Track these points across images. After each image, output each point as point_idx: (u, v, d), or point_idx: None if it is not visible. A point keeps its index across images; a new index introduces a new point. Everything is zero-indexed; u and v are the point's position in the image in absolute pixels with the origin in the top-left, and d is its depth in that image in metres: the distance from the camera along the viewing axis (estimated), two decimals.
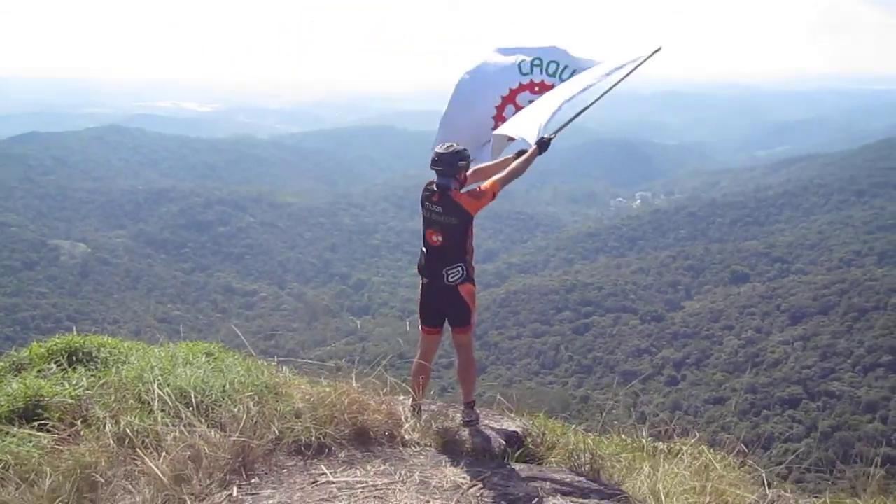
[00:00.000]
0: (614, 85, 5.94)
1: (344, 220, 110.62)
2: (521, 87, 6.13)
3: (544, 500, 3.76)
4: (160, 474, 3.50)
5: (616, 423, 5.67)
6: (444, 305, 5.12)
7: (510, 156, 5.53)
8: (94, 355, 4.93)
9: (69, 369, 4.68)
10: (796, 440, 43.40)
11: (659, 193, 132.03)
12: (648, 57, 5.91)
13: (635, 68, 5.91)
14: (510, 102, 6.11)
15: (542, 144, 5.42)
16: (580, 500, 3.76)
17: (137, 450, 3.68)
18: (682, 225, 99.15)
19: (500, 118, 6.07)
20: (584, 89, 5.56)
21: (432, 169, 5.07)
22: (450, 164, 5.02)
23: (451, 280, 4.99)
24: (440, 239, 5.01)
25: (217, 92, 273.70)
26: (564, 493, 3.87)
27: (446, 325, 5.21)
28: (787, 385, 50.63)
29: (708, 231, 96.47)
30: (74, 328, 5.31)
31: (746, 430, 40.22)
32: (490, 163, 5.62)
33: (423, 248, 5.15)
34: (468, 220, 5.02)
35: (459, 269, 5.01)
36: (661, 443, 5.11)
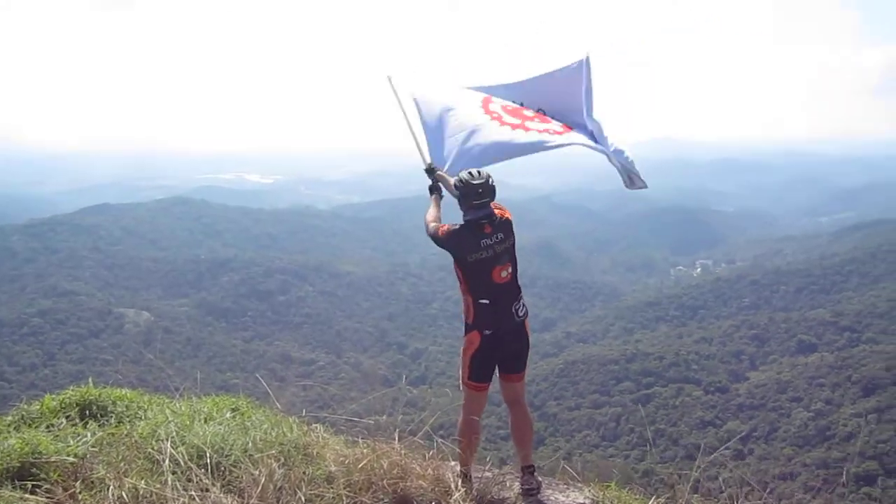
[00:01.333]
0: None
1: (401, 290, 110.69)
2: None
3: None
4: None
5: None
6: (509, 350, 4.52)
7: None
8: (108, 409, 4.44)
9: (80, 424, 4.18)
10: None
11: (720, 262, 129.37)
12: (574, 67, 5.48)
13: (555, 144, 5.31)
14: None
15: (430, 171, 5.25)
16: None
17: None
18: (745, 293, 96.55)
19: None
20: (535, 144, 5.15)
21: (477, 203, 4.54)
22: (493, 191, 4.60)
23: (520, 315, 4.43)
24: (510, 271, 4.47)
25: (279, 164, 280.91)
26: None
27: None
28: (861, 460, 47.95)
29: (772, 300, 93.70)
30: (91, 380, 4.84)
31: None
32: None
33: (484, 300, 4.51)
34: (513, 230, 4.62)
35: (522, 300, 4.47)
36: None
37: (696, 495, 4.90)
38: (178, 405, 4.42)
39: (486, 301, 4.50)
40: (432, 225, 4.80)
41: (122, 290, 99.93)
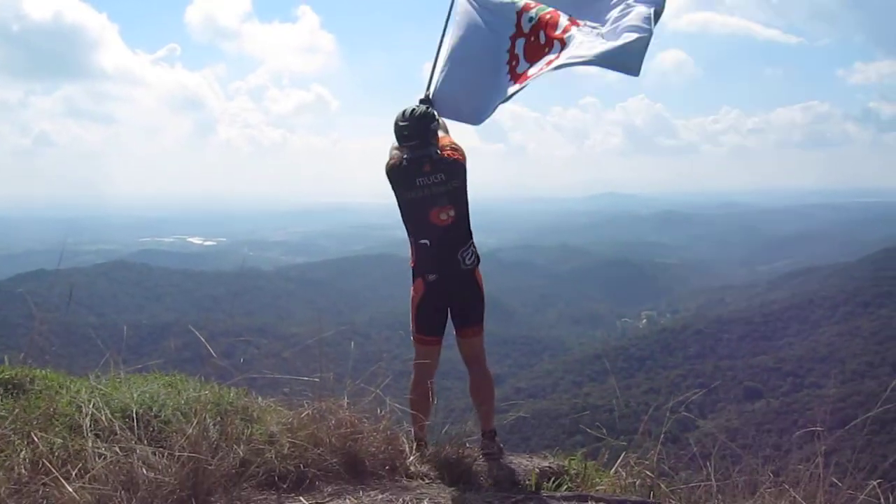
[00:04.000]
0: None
1: (348, 349, 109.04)
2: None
3: None
4: (76, 500, 2.57)
5: None
6: (459, 300, 4.22)
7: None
8: (26, 388, 4.02)
9: None
10: None
11: (664, 312, 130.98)
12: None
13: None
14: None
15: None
16: None
17: (53, 473, 2.75)
18: (690, 343, 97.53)
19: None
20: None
21: (404, 145, 4.26)
22: (425, 132, 4.24)
23: (467, 263, 4.13)
24: (452, 214, 4.17)
25: (222, 226, 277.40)
26: None
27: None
28: None
29: (716, 348, 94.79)
30: (6, 359, 4.41)
31: None
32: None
33: (425, 241, 4.25)
34: (466, 178, 4.27)
35: (472, 248, 4.17)
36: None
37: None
38: (103, 379, 4.02)
39: (426, 242, 4.25)
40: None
41: (58, 358, 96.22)
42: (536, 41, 4.83)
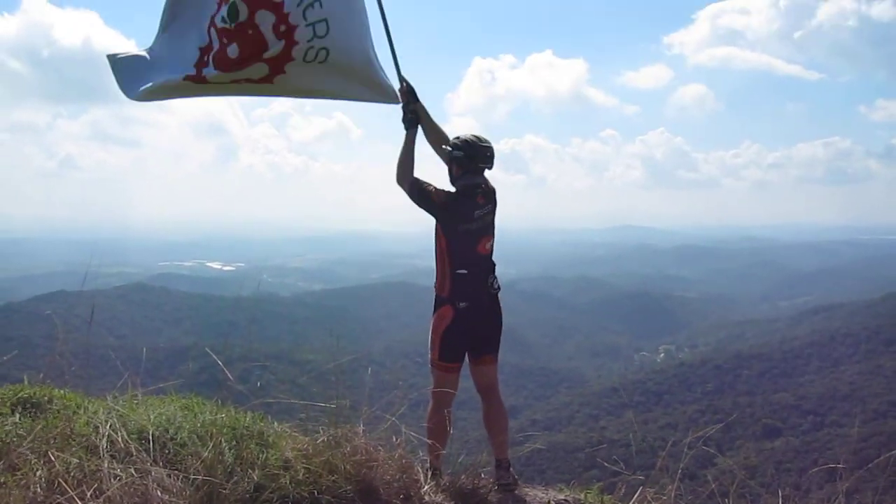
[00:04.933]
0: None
1: (364, 378, 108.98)
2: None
3: None
4: None
5: None
6: (482, 326, 4.23)
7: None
8: (45, 407, 4.04)
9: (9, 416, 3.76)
10: None
11: (683, 346, 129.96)
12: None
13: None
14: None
15: (411, 93, 4.47)
16: None
17: (69, 494, 2.75)
18: (709, 378, 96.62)
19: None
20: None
21: (482, 167, 4.30)
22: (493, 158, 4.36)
23: (495, 288, 4.15)
24: (492, 242, 4.26)
25: (241, 252, 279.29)
26: None
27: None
28: None
29: (735, 384, 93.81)
30: (25, 378, 4.44)
31: None
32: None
33: (463, 270, 4.25)
34: None
35: (495, 272, 4.20)
36: None
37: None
38: (120, 399, 4.03)
39: (465, 271, 4.25)
40: (413, 177, 4.37)
41: (77, 379, 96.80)
42: (221, 49, 4.38)
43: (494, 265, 4.30)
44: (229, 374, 4.02)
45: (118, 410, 3.52)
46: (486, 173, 4.32)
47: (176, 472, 3.06)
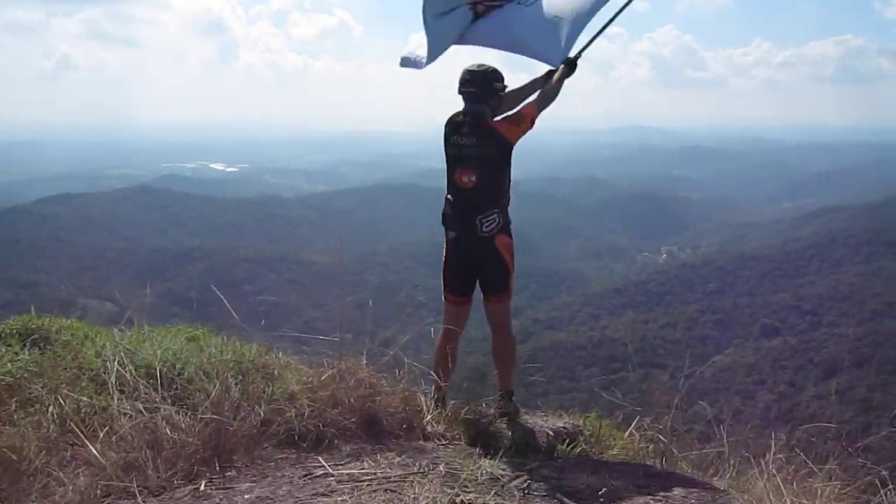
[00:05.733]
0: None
1: (369, 279, 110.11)
2: None
3: (616, 494, 2.82)
4: (102, 461, 2.64)
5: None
6: (476, 264, 4.25)
7: (538, 77, 4.64)
8: (52, 339, 4.08)
9: (19, 350, 3.82)
10: None
11: (685, 247, 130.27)
12: None
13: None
14: None
15: (570, 64, 4.52)
16: (665, 495, 2.81)
17: (79, 433, 2.82)
18: (710, 279, 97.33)
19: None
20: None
21: (461, 92, 4.25)
22: (484, 86, 4.20)
23: (485, 230, 4.10)
24: (473, 178, 4.13)
25: (244, 153, 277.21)
26: (639, 487, 2.93)
27: (477, 292, 4.34)
28: (823, 440, 48.82)
29: (736, 285, 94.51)
30: (33, 308, 4.49)
31: None
32: (514, 87, 4.60)
33: (449, 196, 4.29)
34: (508, 150, 4.19)
35: (496, 216, 4.12)
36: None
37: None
38: (128, 333, 4.09)
39: (449, 197, 4.31)
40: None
41: (84, 280, 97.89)
42: None
43: (488, 206, 4.18)
44: (234, 313, 4.04)
45: (125, 346, 3.56)
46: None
47: (184, 408, 3.13)
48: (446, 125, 4.34)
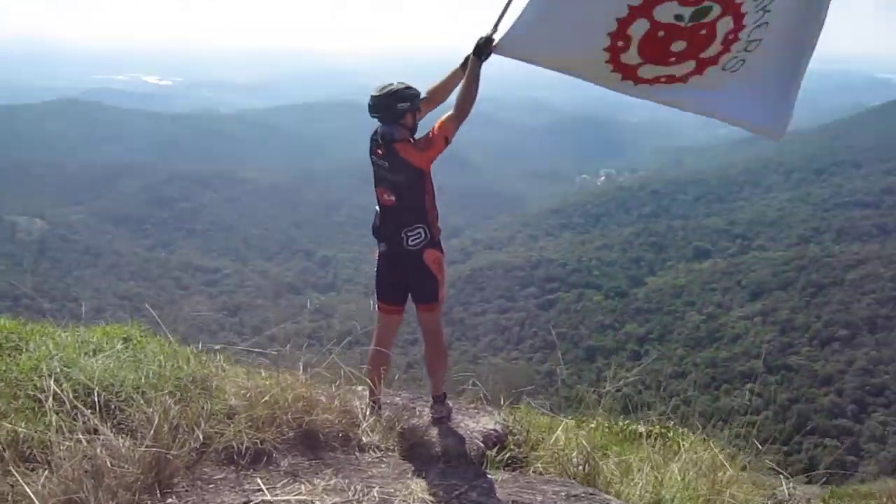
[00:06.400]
0: None
1: (309, 197, 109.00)
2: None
3: None
4: (34, 499, 2.67)
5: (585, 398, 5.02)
6: (404, 276, 4.34)
7: (458, 68, 4.45)
8: None
9: None
10: (755, 413, 43.91)
11: (623, 171, 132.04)
12: None
13: None
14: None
15: (478, 51, 4.32)
16: None
17: (14, 470, 2.83)
18: (646, 202, 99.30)
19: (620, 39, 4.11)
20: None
21: (372, 116, 4.27)
22: (388, 109, 4.18)
23: (411, 244, 4.17)
24: (392, 198, 4.23)
25: (179, 65, 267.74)
26: None
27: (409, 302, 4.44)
28: (746, 359, 51.21)
29: (671, 208, 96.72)
30: None
31: (707, 403, 40.54)
32: (438, 82, 4.55)
33: (377, 208, 4.37)
34: (419, 175, 4.22)
35: (421, 231, 4.18)
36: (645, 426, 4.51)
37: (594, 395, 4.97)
38: (63, 336, 4.06)
39: (378, 209, 4.39)
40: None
41: (12, 196, 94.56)
42: (663, 40, 4.06)
43: (412, 221, 4.23)
44: (167, 331, 4.06)
45: (60, 360, 3.53)
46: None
47: (123, 433, 3.17)
48: (370, 139, 4.37)
